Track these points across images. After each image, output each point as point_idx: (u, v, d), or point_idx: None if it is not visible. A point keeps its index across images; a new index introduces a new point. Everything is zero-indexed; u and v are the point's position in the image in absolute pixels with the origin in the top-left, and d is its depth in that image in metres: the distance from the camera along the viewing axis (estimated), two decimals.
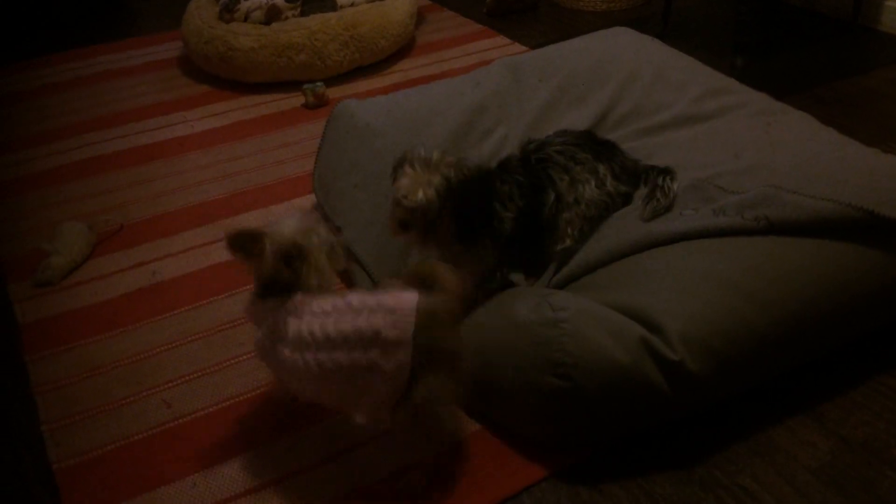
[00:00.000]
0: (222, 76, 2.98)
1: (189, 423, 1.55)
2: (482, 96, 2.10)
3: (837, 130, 1.95)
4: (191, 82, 3.04)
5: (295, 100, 2.84)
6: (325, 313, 1.31)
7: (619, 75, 2.20)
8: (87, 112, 2.83)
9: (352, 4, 3.05)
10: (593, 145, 1.75)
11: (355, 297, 1.33)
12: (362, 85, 2.94)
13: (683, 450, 1.46)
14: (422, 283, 1.32)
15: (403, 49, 3.20)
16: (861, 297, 1.55)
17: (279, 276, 1.34)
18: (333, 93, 2.85)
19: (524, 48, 3.14)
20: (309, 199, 2.18)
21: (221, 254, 2.03)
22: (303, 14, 2.98)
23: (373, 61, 3.04)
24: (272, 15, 2.94)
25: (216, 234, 2.11)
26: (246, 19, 2.96)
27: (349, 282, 1.85)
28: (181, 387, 1.64)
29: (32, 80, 3.11)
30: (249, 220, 2.16)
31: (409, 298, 1.29)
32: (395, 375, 1.27)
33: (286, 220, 1.38)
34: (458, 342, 1.34)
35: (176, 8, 3.38)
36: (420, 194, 1.50)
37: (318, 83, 2.82)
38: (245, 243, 1.33)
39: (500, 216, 1.60)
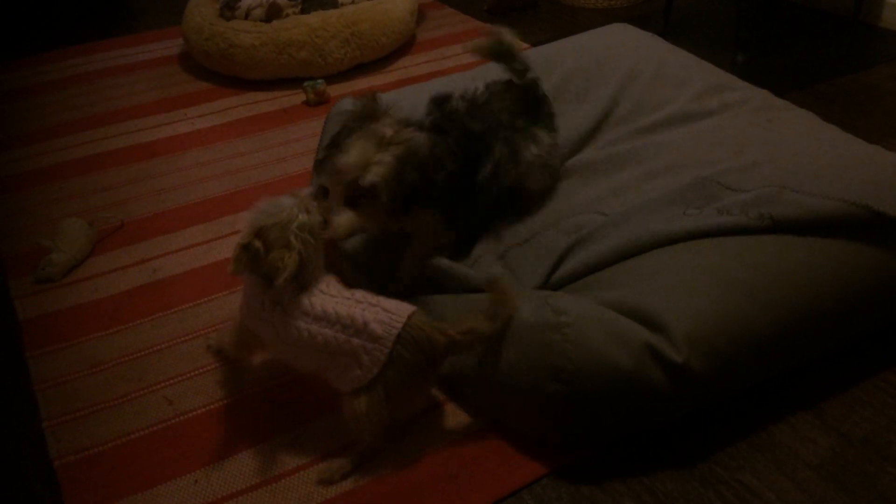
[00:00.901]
0: (223, 73, 2.98)
1: (190, 420, 1.55)
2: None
3: (839, 127, 1.95)
4: (192, 79, 3.04)
5: (296, 97, 2.84)
6: (331, 295, 1.39)
7: (620, 72, 2.20)
8: (87, 109, 2.83)
9: (352, 2, 3.05)
10: (525, 106, 1.80)
11: (362, 293, 1.40)
12: (363, 82, 2.94)
13: (685, 446, 1.46)
14: (491, 298, 1.41)
15: (404, 46, 3.20)
16: (863, 294, 1.54)
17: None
18: (334, 90, 2.85)
19: (525, 46, 3.14)
20: None
21: (222, 251, 2.03)
22: (303, 11, 2.97)
23: (373, 58, 3.04)
24: (273, 12, 2.93)
25: (217, 232, 2.11)
26: (247, 16, 2.95)
27: (345, 282, 1.84)
28: (182, 384, 1.64)
29: (34, 76, 3.11)
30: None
31: (407, 308, 1.37)
32: (369, 368, 1.34)
33: (271, 207, 1.38)
34: (429, 371, 1.39)
35: (177, 5, 3.38)
36: (371, 174, 1.49)
37: (319, 80, 2.81)
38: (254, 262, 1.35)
39: (435, 183, 1.60)
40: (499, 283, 1.42)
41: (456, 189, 1.66)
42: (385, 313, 1.35)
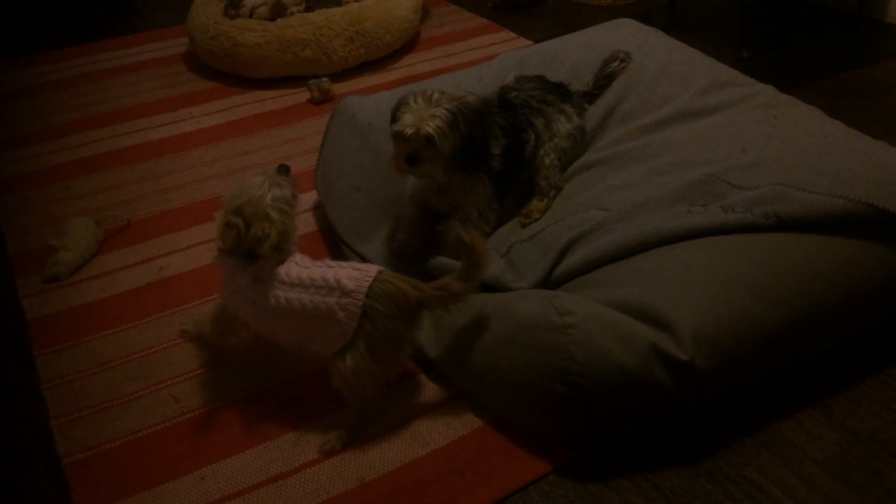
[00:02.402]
0: (228, 72, 2.99)
1: (197, 418, 1.56)
2: (486, 91, 2.09)
3: (844, 123, 1.94)
4: (196, 78, 3.05)
5: (300, 95, 2.84)
6: (305, 266, 1.46)
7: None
8: (93, 108, 2.84)
9: (357, 0, 3.05)
10: (553, 88, 2.00)
11: (333, 261, 1.48)
12: (367, 80, 2.94)
13: (691, 442, 1.46)
14: (458, 249, 1.44)
15: (408, 44, 3.20)
16: (869, 291, 1.54)
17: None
18: (339, 88, 2.86)
19: (529, 42, 3.14)
20: (313, 196, 2.18)
21: None
22: (308, 10, 2.98)
23: (378, 56, 3.04)
24: (277, 11, 2.94)
25: None
26: (251, 15, 2.96)
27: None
28: (189, 381, 1.64)
29: (40, 76, 3.11)
30: None
31: (374, 267, 1.45)
32: (345, 323, 1.40)
33: (244, 187, 1.45)
34: (405, 326, 1.43)
35: (182, 4, 3.38)
36: (428, 126, 1.62)
37: (324, 78, 2.82)
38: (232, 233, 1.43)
39: (491, 153, 1.76)
40: (470, 243, 1.42)
41: (507, 162, 1.80)
42: (355, 271, 1.42)
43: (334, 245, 1.98)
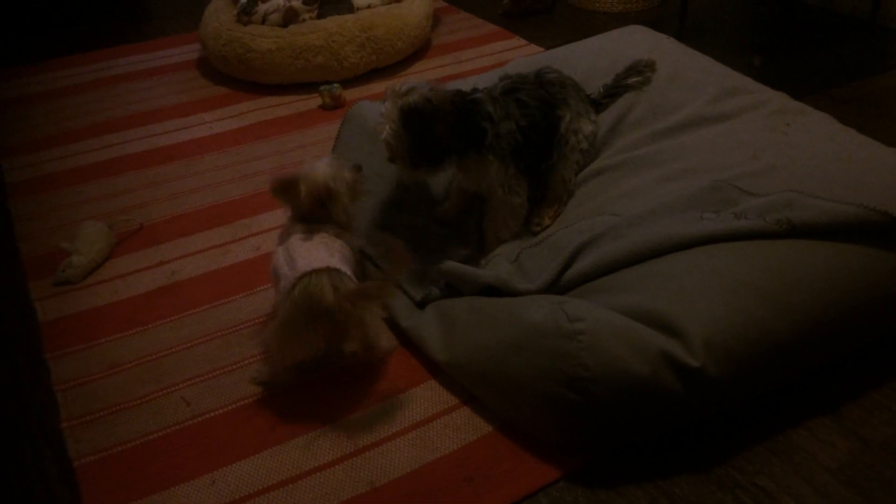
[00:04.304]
0: (240, 78, 3.00)
1: (208, 421, 1.56)
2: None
3: (857, 130, 1.93)
4: (209, 84, 3.06)
5: (312, 101, 2.85)
6: (310, 244, 1.57)
7: None
8: (106, 113, 2.86)
9: (368, 6, 3.06)
10: (581, 88, 2.01)
11: (340, 244, 1.60)
12: (379, 86, 2.95)
13: (702, 450, 1.45)
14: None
15: (419, 51, 3.21)
16: (882, 298, 1.53)
17: (314, 213, 1.62)
18: (350, 94, 2.87)
19: (540, 49, 3.14)
20: None
21: (239, 253, 2.05)
22: (320, 16, 2.99)
23: (389, 63, 3.05)
24: (290, 17, 2.95)
25: (234, 234, 2.13)
26: (264, 21, 2.97)
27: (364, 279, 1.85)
28: (200, 385, 1.65)
29: (54, 81, 3.14)
30: (267, 220, 2.17)
31: (334, 264, 1.50)
32: (277, 295, 1.55)
33: (317, 165, 1.65)
34: (305, 322, 1.48)
35: (195, 11, 3.41)
36: (386, 129, 1.68)
37: (335, 85, 2.83)
38: (285, 189, 1.63)
39: (495, 132, 1.74)
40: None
41: (532, 141, 1.80)
42: (317, 261, 1.50)
43: None
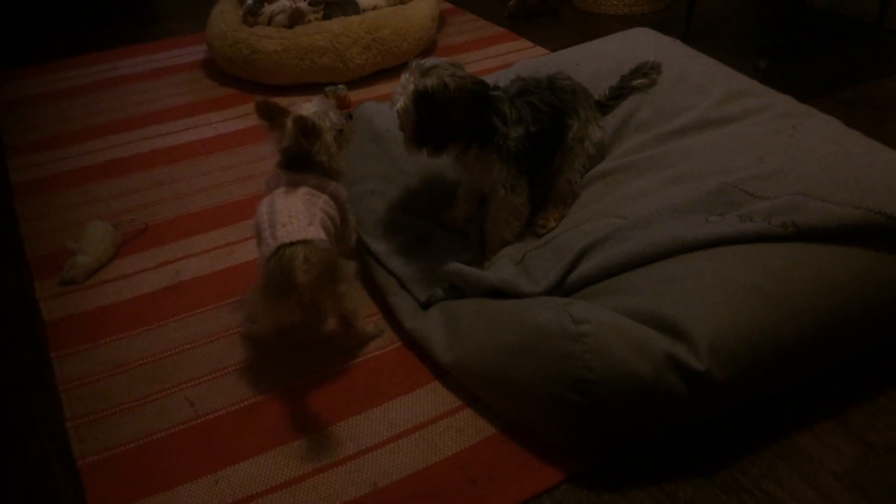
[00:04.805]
0: (246, 79, 3.01)
1: (211, 421, 1.56)
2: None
3: (863, 133, 1.93)
4: (215, 85, 3.07)
5: None
6: (292, 200, 1.59)
7: None
8: (112, 114, 2.87)
9: (374, 8, 3.07)
10: (590, 95, 2.01)
11: (324, 201, 1.64)
12: (384, 87, 2.95)
13: (707, 453, 1.45)
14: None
15: (425, 52, 3.21)
16: (888, 302, 1.53)
17: (296, 146, 1.65)
18: (355, 95, 2.87)
19: (546, 51, 3.14)
20: None
21: (244, 254, 2.05)
22: (325, 17, 2.99)
23: (395, 64, 3.05)
24: (295, 18, 2.96)
25: (239, 235, 2.13)
26: (270, 23, 2.98)
27: (369, 278, 1.86)
28: (204, 385, 1.65)
29: (60, 81, 3.15)
30: None
31: (311, 236, 1.51)
32: (260, 257, 1.55)
33: (305, 103, 1.68)
34: (273, 290, 1.51)
35: (202, 11, 3.41)
36: (400, 102, 1.67)
37: (340, 86, 2.83)
38: (271, 113, 1.66)
39: (504, 133, 1.73)
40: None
41: (538, 147, 1.80)
42: (295, 231, 1.51)
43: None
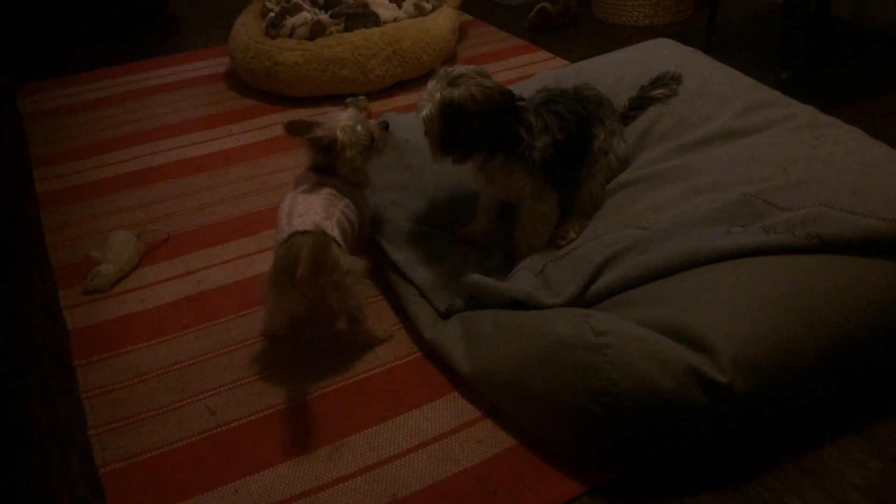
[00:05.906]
0: (267, 90, 3.03)
1: (232, 431, 1.57)
2: None
3: (888, 145, 1.91)
4: (237, 96, 3.10)
5: None
6: (314, 198, 1.67)
7: None
8: (136, 125, 2.90)
9: (394, 20, 3.09)
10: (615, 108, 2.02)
11: (344, 204, 1.71)
12: (404, 99, 2.97)
13: (729, 466, 1.43)
14: None
15: (445, 64, 3.22)
16: None
17: (321, 162, 1.74)
18: (376, 106, 2.88)
19: (566, 62, 3.14)
20: None
21: (265, 264, 2.05)
22: (346, 29, 3.02)
23: (415, 76, 3.07)
24: (317, 30, 2.98)
25: (260, 245, 2.14)
26: (291, 35, 3.00)
27: (388, 286, 1.87)
28: (225, 394, 1.66)
29: (85, 93, 3.19)
30: None
31: (324, 228, 1.56)
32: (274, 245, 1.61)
33: (339, 114, 1.75)
34: (279, 279, 1.56)
35: (224, 24, 3.45)
36: (426, 110, 1.67)
37: (361, 97, 2.85)
38: (300, 129, 1.72)
39: (530, 143, 1.73)
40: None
41: (564, 155, 1.79)
42: (309, 223, 1.56)
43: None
